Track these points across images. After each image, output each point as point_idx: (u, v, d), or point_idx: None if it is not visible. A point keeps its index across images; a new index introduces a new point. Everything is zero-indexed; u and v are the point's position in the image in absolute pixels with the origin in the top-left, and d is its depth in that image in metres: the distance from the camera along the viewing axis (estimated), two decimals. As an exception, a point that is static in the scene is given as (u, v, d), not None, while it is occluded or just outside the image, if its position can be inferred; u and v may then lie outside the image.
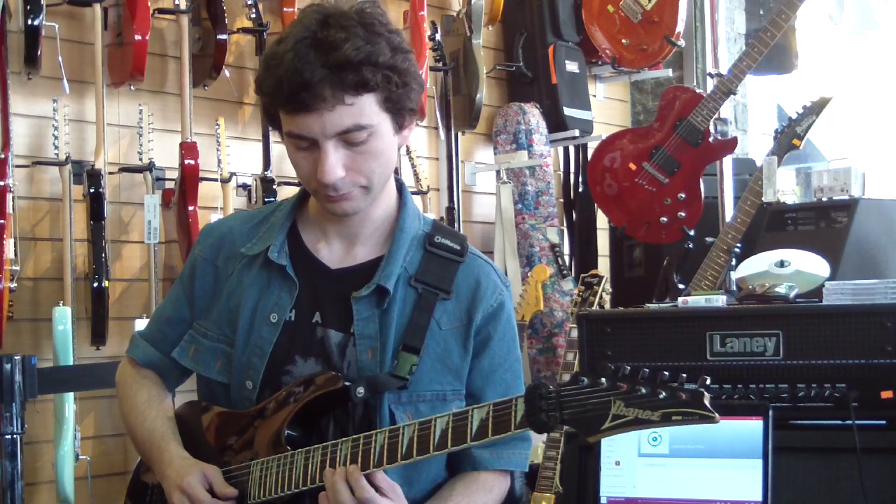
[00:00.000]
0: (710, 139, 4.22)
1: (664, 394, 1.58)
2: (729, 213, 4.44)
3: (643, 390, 1.59)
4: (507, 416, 1.70)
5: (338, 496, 1.76)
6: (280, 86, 1.80)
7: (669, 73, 5.27)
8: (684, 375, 1.59)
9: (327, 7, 1.85)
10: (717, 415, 1.57)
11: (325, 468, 1.80)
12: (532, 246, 4.82)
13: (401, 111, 1.87)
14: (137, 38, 3.70)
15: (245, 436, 1.93)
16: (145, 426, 2.00)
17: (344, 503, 1.75)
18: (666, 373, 1.60)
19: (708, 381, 1.59)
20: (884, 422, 2.49)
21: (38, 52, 3.58)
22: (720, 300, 2.73)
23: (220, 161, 3.99)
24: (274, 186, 4.05)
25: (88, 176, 3.69)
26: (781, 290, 2.77)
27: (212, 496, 1.86)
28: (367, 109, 1.81)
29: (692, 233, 4.23)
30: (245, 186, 4.11)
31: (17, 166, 3.63)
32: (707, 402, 1.57)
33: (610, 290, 4.15)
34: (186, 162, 3.84)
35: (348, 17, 1.81)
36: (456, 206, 4.69)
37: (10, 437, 3.04)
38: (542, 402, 1.65)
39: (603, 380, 1.63)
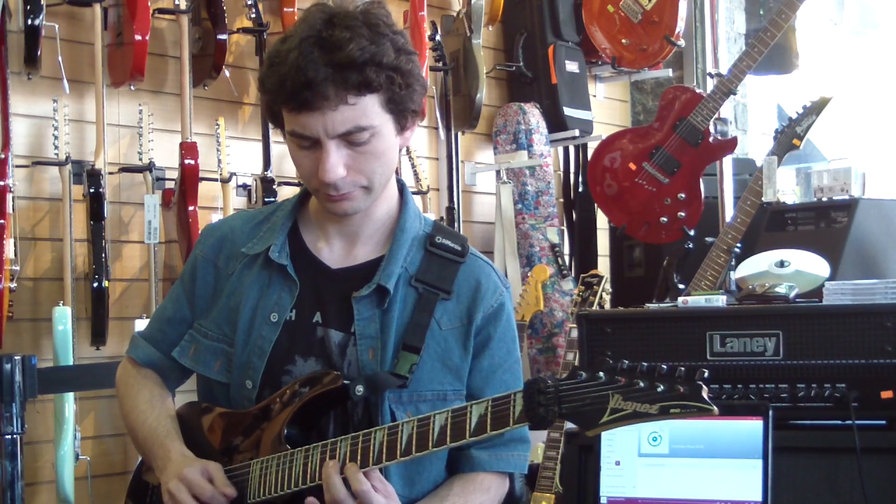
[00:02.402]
0: (710, 139, 4.22)
1: (662, 387, 1.58)
2: (729, 213, 4.44)
3: (641, 384, 1.60)
4: (505, 411, 1.70)
5: (332, 489, 1.76)
6: (283, 84, 1.80)
7: (669, 73, 5.26)
8: (682, 369, 1.59)
9: (332, 7, 1.85)
10: (715, 407, 1.57)
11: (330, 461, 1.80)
12: (532, 246, 4.82)
13: (403, 112, 1.87)
14: (137, 38, 3.70)
15: (245, 435, 1.93)
16: (147, 425, 2.00)
17: (337, 496, 1.75)
18: (664, 366, 1.60)
19: (706, 374, 1.59)
20: (884, 422, 2.49)
21: (38, 52, 3.58)
22: (720, 300, 2.74)
23: (220, 161, 3.99)
24: (274, 186, 4.05)
25: (88, 176, 3.69)
26: (781, 290, 2.77)
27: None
28: (370, 110, 1.82)
29: (692, 233, 4.23)
30: (245, 186, 4.11)
31: (17, 166, 3.63)
32: (705, 395, 1.57)
33: (610, 290, 4.15)
34: (186, 162, 3.84)
35: (353, 18, 1.82)
36: (456, 206, 4.69)
37: (10, 437, 3.03)
38: (541, 397, 1.66)
39: (601, 374, 1.63)
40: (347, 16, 1.82)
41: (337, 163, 1.83)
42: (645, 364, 1.61)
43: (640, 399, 1.59)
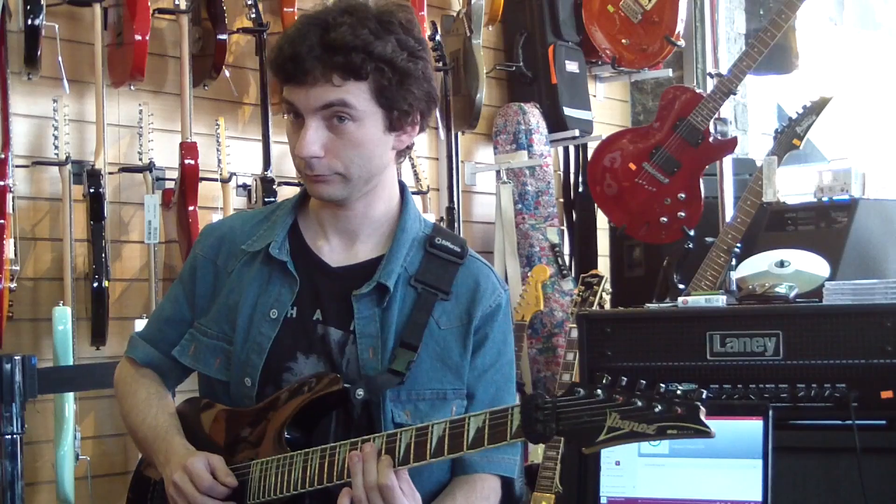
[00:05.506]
0: (710, 139, 4.22)
1: (660, 407, 1.58)
2: (729, 213, 4.43)
3: (639, 403, 1.59)
4: (503, 426, 1.70)
5: (367, 475, 1.75)
6: (277, 55, 1.87)
7: (669, 73, 5.27)
8: (680, 389, 1.59)
9: (354, 2, 1.89)
10: (712, 430, 1.57)
11: (329, 466, 1.80)
12: (532, 246, 4.82)
13: (392, 109, 1.88)
14: (137, 38, 3.70)
15: (245, 435, 1.92)
16: (147, 422, 2.00)
17: (370, 482, 1.75)
18: (662, 385, 1.60)
19: (704, 395, 1.59)
20: (884, 422, 2.49)
21: (38, 52, 3.58)
22: (720, 300, 2.74)
23: (220, 161, 3.99)
24: (274, 186, 4.05)
25: (88, 176, 3.69)
26: (781, 290, 2.77)
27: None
28: (356, 96, 1.84)
29: (692, 233, 4.23)
30: (245, 186, 4.11)
31: (17, 166, 3.63)
32: (703, 417, 1.57)
33: (610, 290, 4.15)
34: (186, 162, 3.84)
35: (367, 11, 1.86)
36: (456, 206, 4.69)
37: (10, 437, 3.03)
38: (539, 413, 1.66)
39: (599, 391, 1.62)
40: (363, 9, 1.86)
41: (314, 140, 1.85)
42: (643, 382, 1.61)
43: (637, 419, 1.59)
